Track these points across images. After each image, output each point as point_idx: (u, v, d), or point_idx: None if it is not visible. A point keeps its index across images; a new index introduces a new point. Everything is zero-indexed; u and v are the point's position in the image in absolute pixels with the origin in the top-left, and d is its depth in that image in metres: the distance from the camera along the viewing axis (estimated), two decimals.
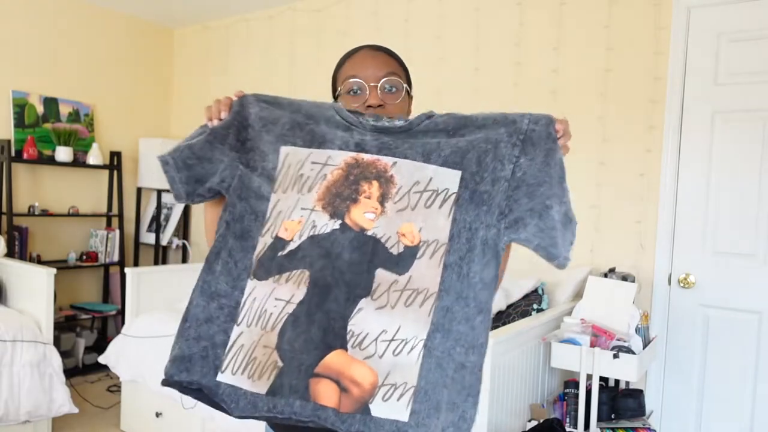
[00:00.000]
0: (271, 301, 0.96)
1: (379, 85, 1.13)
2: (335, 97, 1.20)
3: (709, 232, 2.61)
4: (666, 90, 2.69)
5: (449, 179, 0.96)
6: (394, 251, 0.95)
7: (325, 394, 0.91)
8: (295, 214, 0.99)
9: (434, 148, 0.98)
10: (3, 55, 3.84)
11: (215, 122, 1.07)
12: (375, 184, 0.98)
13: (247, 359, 0.95)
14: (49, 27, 4.04)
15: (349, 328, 0.92)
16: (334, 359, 0.91)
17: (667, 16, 2.69)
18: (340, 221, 0.97)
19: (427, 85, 3.38)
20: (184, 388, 0.99)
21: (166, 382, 0.99)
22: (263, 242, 1.00)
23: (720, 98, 2.58)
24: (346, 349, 0.92)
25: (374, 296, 0.93)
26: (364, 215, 0.97)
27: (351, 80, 1.14)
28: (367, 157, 1.00)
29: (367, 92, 1.12)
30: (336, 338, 0.92)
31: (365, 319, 0.92)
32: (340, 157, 1.00)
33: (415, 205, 0.96)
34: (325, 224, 0.97)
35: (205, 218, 1.15)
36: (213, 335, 0.98)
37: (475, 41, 3.28)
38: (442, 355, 0.92)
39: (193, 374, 0.97)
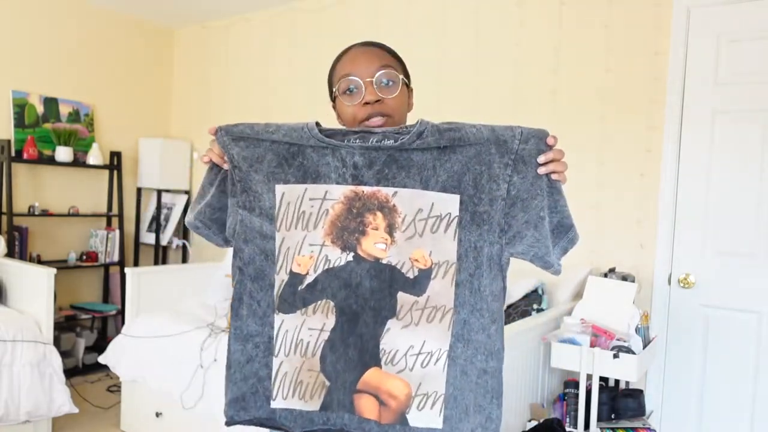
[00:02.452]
0: (304, 331, 1.04)
1: (374, 79, 1.09)
2: (333, 99, 1.18)
3: (709, 232, 2.61)
4: (666, 90, 2.69)
5: (450, 203, 1.01)
6: (410, 275, 1.02)
7: (367, 408, 1.01)
8: (304, 249, 1.04)
9: (431, 174, 1.01)
10: (3, 55, 3.84)
11: (226, 166, 1.10)
12: (379, 215, 1.01)
13: (294, 383, 1.05)
14: (49, 27, 4.04)
15: (381, 347, 1.01)
16: (371, 376, 1.01)
17: (667, 16, 2.69)
18: (353, 253, 1.03)
19: (427, 85, 3.38)
20: (249, 422, 1.08)
21: (229, 424, 1.08)
22: (280, 279, 1.05)
23: (720, 98, 2.58)
24: (380, 367, 1.01)
25: (399, 316, 1.01)
26: (375, 246, 1.02)
27: (345, 79, 1.11)
28: (366, 189, 1.02)
29: (363, 89, 1.09)
30: (371, 358, 1.02)
31: (394, 338, 1.01)
32: (339, 191, 1.03)
33: (423, 232, 1.01)
34: (339, 257, 1.03)
35: None
36: (257, 371, 1.06)
37: (475, 41, 3.28)
38: (465, 363, 1.00)
39: (249, 411, 1.07)
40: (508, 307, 2.61)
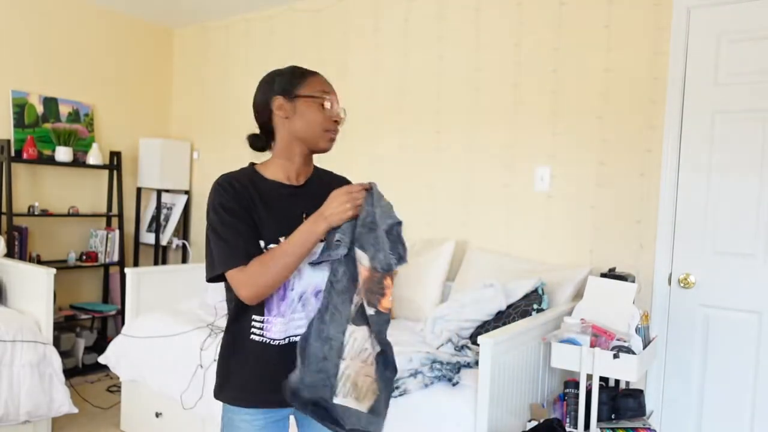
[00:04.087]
0: (369, 342, 1.31)
1: (343, 109, 1.43)
2: (294, 96, 1.38)
3: (709, 232, 2.61)
4: (666, 90, 2.69)
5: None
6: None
7: None
8: None
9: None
10: (3, 55, 3.84)
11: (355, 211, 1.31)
12: (389, 279, 1.30)
13: (352, 385, 1.31)
14: (49, 27, 4.04)
15: None
16: None
17: (667, 16, 2.69)
18: (374, 309, 1.30)
19: (427, 85, 3.38)
20: (304, 405, 1.32)
21: (292, 397, 1.32)
22: (357, 300, 1.32)
23: (720, 98, 2.58)
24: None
25: None
26: (389, 301, 1.32)
27: (329, 95, 1.39)
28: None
29: (338, 111, 1.39)
30: None
31: None
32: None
33: None
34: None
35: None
36: (328, 369, 1.32)
37: (475, 41, 3.27)
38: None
39: (315, 394, 1.32)
40: (508, 306, 2.61)
